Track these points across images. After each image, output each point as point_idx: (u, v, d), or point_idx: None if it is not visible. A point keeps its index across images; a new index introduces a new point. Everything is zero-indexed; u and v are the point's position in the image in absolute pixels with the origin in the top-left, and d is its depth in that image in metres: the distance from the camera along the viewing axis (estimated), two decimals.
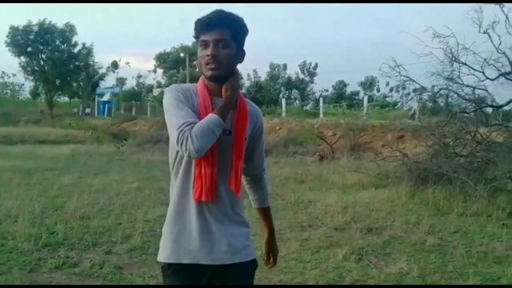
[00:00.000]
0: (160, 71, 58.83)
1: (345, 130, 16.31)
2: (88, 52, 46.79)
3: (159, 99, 37.46)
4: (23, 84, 51.10)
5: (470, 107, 8.76)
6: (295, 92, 52.80)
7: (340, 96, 50.96)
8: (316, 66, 54.97)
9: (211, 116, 1.68)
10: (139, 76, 61.22)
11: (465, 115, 8.65)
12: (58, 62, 43.30)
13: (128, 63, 75.87)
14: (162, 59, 57.42)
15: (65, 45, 45.02)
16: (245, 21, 1.82)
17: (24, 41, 42.48)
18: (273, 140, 16.84)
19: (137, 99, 48.81)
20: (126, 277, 3.98)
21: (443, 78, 8.89)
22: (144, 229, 5.48)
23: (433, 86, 9.32)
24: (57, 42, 44.51)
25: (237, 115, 1.80)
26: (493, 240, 5.17)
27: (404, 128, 14.67)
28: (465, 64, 8.50)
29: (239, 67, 1.84)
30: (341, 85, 57.73)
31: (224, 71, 1.75)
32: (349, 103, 29.72)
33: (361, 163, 11.56)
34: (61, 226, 5.48)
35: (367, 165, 10.35)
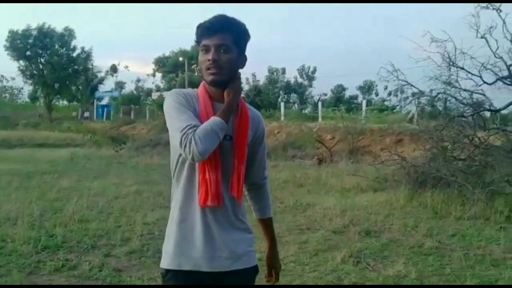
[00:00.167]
0: (159, 75, 58.88)
1: (343, 133, 16.35)
2: (87, 56, 46.78)
3: (158, 103, 37.55)
4: (21, 88, 51.12)
5: (468, 111, 8.81)
6: (293, 96, 52.84)
7: (339, 100, 51.02)
8: (314, 70, 55.05)
9: (214, 119, 1.67)
10: (138, 80, 61.23)
11: (463, 119, 8.70)
12: (57, 66, 43.29)
13: (127, 67, 75.73)
14: (161, 63, 57.47)
15: (64, 49, 45.00)
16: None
17: (23, 45, 42.47)
18: (272, 144, 16.87)
19: (136, 103, 48.83)
20: (125, 279, 3.99)
21: (441, 82, 8.96)
22: (143, 232, 5.49)
23: (431, 90, 9.39)
24: (56, 46, 44.49)
25: (238, 120, 1.79)
26: (491, 243, 5.20)
27: (402, 132, 14.73)
28: (462, 68, 8.55)
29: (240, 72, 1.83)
30: (340, 89, 57.77)
31: (225, 76, 1.74)
32: (347, 107, 29.74)
33: (359, 166, 11.59)
34: (60, 229, 5.49)
35: (365, 169, 10.38)
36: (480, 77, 8.40)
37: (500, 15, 8.12)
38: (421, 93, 9.89)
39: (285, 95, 51.09)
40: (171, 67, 54.02)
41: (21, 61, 43.40)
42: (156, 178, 10.10)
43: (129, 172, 11.45)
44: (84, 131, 25.07)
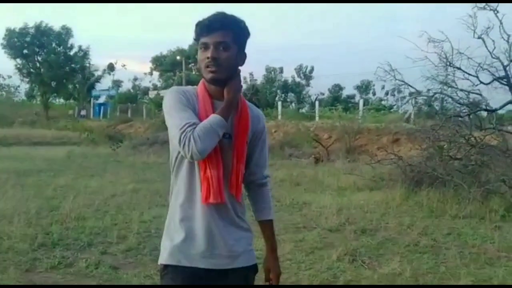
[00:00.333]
0: (156, 73, 58.81)
1: (340, 133, 16.37)
2: (84, 54, 46.74)
3: (155, 102, 37.51)
4: (18, 86, 50.87)
5: (464, 111, 8.84)
6: (291, 95, 52.89)
7: (336, 99, 51.05)
8: (312, 70, 55.11)
9: (214, 117, 1.66)
10: (135, 79, 61.07)
11: (460, 119, 8.73)
12: (54, 65, 43.23)
13: (124, 65, 75.62)
14: (159, 62, 57.41)
15: (61, 47, 44.96)
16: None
17: (20, 44, 42.44)
18: (269, 143, 16.87)
19: (133, 101, 48.75)
20: (122, 276, 4.00)
21: (438, 82, 8.99)
22: (139, 230, 5.50)
23: (428, 90, 9.42)
24: (53, 44, 44.45)
25: (237, 119, 1.78)
26: (486, 242, 5.23)
27: (399, 132, 14.80)
28: (459, 68, 8.58)
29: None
30: (337, 88, 57.81)
31: (224, 74, 1.72)
32: (344, 106, 29.83)
33: (356, 165, 11.62)
34: (57, 227, 5.50)
35: (362, 168, 10.41)
36: (477, 77, 8.44)
37: (497, 16, 8.15)
38: (418, 93, 9.92)
39: (283, 94, 51.13)
40: (169, 66, 53.99)
41: (18, 59, 43.40)
42: (153, 177, 10.11)
43: (126, 170, 11.44)
44: (81, 129, 25.03)
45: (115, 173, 10.68)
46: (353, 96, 56.37)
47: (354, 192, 8.44)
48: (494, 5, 8.11)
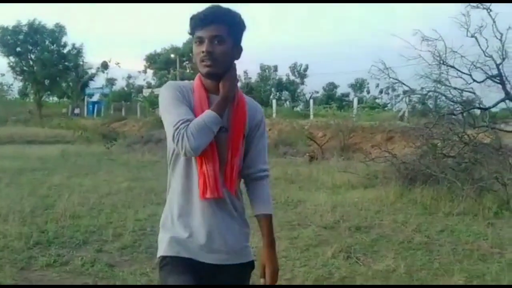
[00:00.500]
0: (150, 71, 58.67)
1: (335, 131, 16.43)
2: (77, 52, 46.52)
3: (149, 100, 37.45)
4: (11, 84, 50.60)
5: (458, 109, 8.90)
6: (285, 94, 52.97)
7: (330, 97, 51.14)
8: (306, 68, 55.22)
9: (208, 113, 1.65)
10: (129, 77, 60.91)
11: (453, 117, 8.79)
12: (47, 62, 42.98)
13: (118, 63, 75.36)
14: (153, 60, 57.26)
15: (54, 45, 44.70)
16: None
17: (13, 41, 42.14)
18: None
19: (127, 99, 48.65)
20: (118, 274, 4.01)
21: (432, 80, 9.05)
22: (134, 228, 5.50)
23: (422, 88, 9.47)
24: (47, 42, 44.18)
25: (234, 112, 1.76)
26: (479, 239, 5.28)
27: (393, 130, 14.89)
28: (453, 67, 8.64)
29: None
30: (331, 86, 57.93)
31: (220, 68, 1.71)
32: (339, 104, 29.93)
33: (350, 163, 11.66)
34: (52, 225, 5.49)
35: (356, 166, 10.44)
36: (470, 75, 8.51)
37: (490, 15, 8.21)
38: (412, 91, 9.97)
39: (277, 93, 51.23)
40: (163, 64, 53.88)
41: (11, 57, 43.14)
42: (147, 175, 10.10)
43: (120, 168, 11.42)
44: (74, 127, 24.93)
45: (110, 172, 10.66)
46: (347, 94, 56.50)
47: (349, 190, 8.48)
48: (487, 4, 8.18)
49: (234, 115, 1.76)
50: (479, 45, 8.33)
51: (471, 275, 4.11)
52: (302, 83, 55.15)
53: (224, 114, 1.72)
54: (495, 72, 8.30)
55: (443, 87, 9.02)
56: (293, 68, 54.94)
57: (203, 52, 1.69)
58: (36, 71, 43.63)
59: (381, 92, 52.02)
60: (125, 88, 58.44)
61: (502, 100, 8.64)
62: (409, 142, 10.38)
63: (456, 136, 8.28)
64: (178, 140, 1.61)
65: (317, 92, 56.85)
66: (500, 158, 7.54)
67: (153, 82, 55.58)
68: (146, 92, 45.03)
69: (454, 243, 5.10)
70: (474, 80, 8.52)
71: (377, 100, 48.47)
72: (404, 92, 11.18)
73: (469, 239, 5.26)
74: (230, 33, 1.71)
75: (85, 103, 48.45)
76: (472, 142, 8.04)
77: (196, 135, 1.60)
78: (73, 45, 45.89)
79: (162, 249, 1.78)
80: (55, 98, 55.22)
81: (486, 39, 8.30)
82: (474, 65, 8.38)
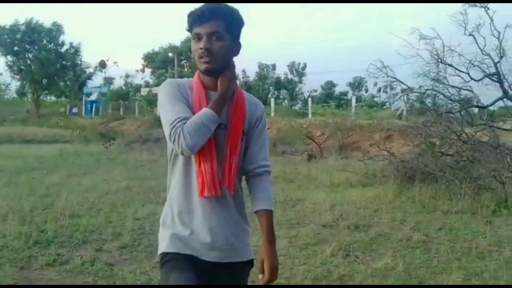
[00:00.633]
0: (148, 70, 58.62)
1: (333, 129, 16.45)
2: (75, 51, 46.47)
3: (147, 99, 37.42)
4: (9, 84, 50.60)
5: (456, 107, 8.92)
6: (284, 92, 52.97)
7: (329, 96, 51.19)
8: (305, 66, 55.26)
9: (205, 111, 1.65)
10: (127, 76, 60.87)
11: (451, 115, 8.80)
12: (45, 62, 42.98)
13: (116, 62, 75.33)
14: (150, 59, 57.21)
15: (52, 44, 44.70)
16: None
17: (10, 40, 42.14)
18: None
19: (125, 98, 48.58)
20: (117, 273, 4.01)
21: (430, 79, 9.06)
22: (134, 227, 5.51)
23: (420, 87, 9.48)
24: (44, 41, 44.19)
25: (233, 109, 1.76)
26: (477, 237, 5.30)
27: (391, 128, 14.92)
28: (450, 65, 8.65)
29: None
30: (330, 85, 57.95)
31: (218, 64, 1.70)
32: (337, 103, 29.96)
33: (349, 162, 11.68)
34: (51, 225, 5.50)
35: (355, 164, 10.46)
36: (468, 74, 8.51)
37: (487, 13, 8.22)
38: (410, 89, 9.99)
39: (275, 91, 51.21)
40: (161, 62, 53.84)
41: (8, 56, 43.13)
42: (146, 174, 10.11)
43: (118, 168, 11.42)
44: (72, 127, 24.94)
45: (108, 171, 10.66)
46: (345, 93, 56.53)
47: (347, 189, 8.50)
48: (484, 4, 8.19)
49: (233, 112, 1.76)
50: (477, 43, 8.35)
51: (469, 273, 4.13)
52: (301, 82, 55.18)
53: (223, 111, 1.72)
54: (493, 70, 8.31)
55: (441, 85, 9.04)
56: (291, 66, 54.97)
57: (201, 48, 1.68)
58: (33, 70, 43.61)
59: (379, 90, 52.03)
60: (123, 87, 58.36)
61: (500, 99, 8.65)
62: (408, 141, 10.40)
63: (454, 135, 8.30)
64: (174, 139, 1.61)
65: (316, 91, 56.87)
66: (498, 157, 7.55)
67: (151, 81, 55.51)
68: (144, 91, 44.97)
69: (452, 241, 5.12)
70: (472, 79, 8.53)
71: (375, 99, 48.49)
72: (402, 91, 11.20)
73: (467, 237, 5.28)
74: (228, 29, 1.70)
75: (83, 102, 48.39)
76: (470, 141, 8.06)
77: (193, 133, 1.60)
78: (71, 44, 45.96)
79: (164, 246, 1.78)
80: (53, 97, 55.17)
81: (484, 38, 8.32)
82: (472, 64, 8.39)
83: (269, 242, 1.79)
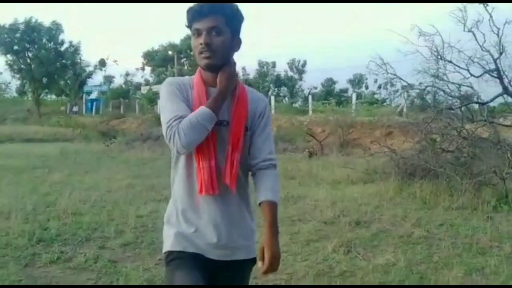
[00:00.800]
0: (148, 68, 58.67)
1: (334, 126, 16.47)
2: (75, 50, 46.47)
3: (148, 97, 37.45)
4: (9, 83, 50.64)
5: (456, 103, 8.94)
6: (284, 90, 53.00)
7: (329, 93, 51.27)
8: (305, 64, 55.27)
9: (201, 109, 1.64)
10: (127, 74, 60.93)
11: (451, 111, 8.82)
12: (44, 60, 42.94)
13: (115, 61, 75.43)
14: (150, 57, 57.23)
15: (51, 43, 44.66)
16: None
17: (10, 39, 42.09)
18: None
19: (125, 97, 48.63)
20: (120, 270, 4.04)
21: (430, 75, 9.08)
22: (136, 224, 5.54)
23: (420, 83, 9.51)
24: (44, 40, 44.14)
25: (235, 105, 1.75)
26: (478, 232, 5.32)
27: (392, 125, 14.95)
28: (450, 62, 8.67)
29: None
30: (330, 82, 58.00)
31: (219, 59, 1.70)
32: (337, 100, 29.97)
33: (350, 159, 11.72)
34: (54, 222, 5.52)
35: (355, 161, 10.50)
36: (468, 70, 8.53)
37: (486, 9, 8.24)
38: (410, 86, 10.01)
39: (276, 89, 51.24)
40: (160, 61, 53.87)
41: (8, 56, 43.10)
42: (147, 172, 10.13)
43: (120, 166, 11.45)
44: (73, 125, 24.97)
45: (110, 169, 10.69)
46: (346, 90, 56.60)
47: (348, 185, 8.52)
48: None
49: (235, 109, 1.75)
50: (476, 39, 8.37)
51: (470, 268, 4.15)
52: (301, 79, 55.21)
53: (225, 107, 1.72)
54: (492, 66, 8.33)
55: (441, 82, 9.06)
56: (292, 64, 54.97)
57: (201, 44, 1.68)
58: (33, 69, 43.58)
59: (379, 87, 52.08)
60: (123, 86, 58.43)
61: (500, 95, 8.67)
62: (408, 137, 10.40)
63: (454, 131, 8.32)
64: (170, 137, 1.62)
65: (316, 88, 56.94)
66: (499, 153, 7.58)
67: (151, 79, 55.59)
68: (144, 89, 45.01)
69: (453, 237, 5.14)
70: (472, 75, 8.55)
71: (375, 96, 48.54)
72: (403, 87, 11.22)
73: (468, 233, 5.30)
74: (228, 23, 1.70)
75: (83, 100, 48.45)
76: (470, 137, 8.09)
77: (188, 132, 1.60)
78: (71, 42, 45.91)
79: (169, 244, 1.78)
80: (53, 96, 55.15)
81: (483, 34, 8.34)
82: (472, 60, 8.41)
83: (271, 232, 1.74)
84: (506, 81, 8.35)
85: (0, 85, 55.09)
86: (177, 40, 51.70)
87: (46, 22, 43.94)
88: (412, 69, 9.09)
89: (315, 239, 5.06)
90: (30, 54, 44.01)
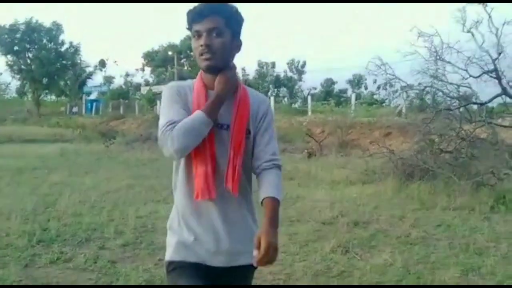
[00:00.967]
0: (148, 69, 58.71)
1: (333, 127, 16.51)
2: (75, 50, 46.52)
3: (147, 98, 37.51)
4: (9, 83, 50.68)
5: (454, 104, 8.98)
6: (283, 90, 53.04)
7: (328, 93, 51.31)
8: (304, 64, 55.31)
9: (196, 114, 1.63)
10: (127, 75, 60.94)
11: (450, 112, 8.85)
12: (45, 61, 43.03)
13: (115, 61, 75.49)
14: (150, 58, 57.26)
15: (52, 43, 44.77)
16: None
17: (10, 40, 42.17)
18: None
19: (125, 97, 48.65)
20: (120, 270, 4.06)
21: (428, 76, 9.11)
22: (136, 225, 5.55)
23: (419, 84, 9.54)
24: (44, 40, 44.24)
25: (236, 108, 1.72)
26: (475, 233, 5.35)
27: (391, 125, 14.99)
28: (449, 62, 8.71)
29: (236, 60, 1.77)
30: (329, 83, 58.03)
31: (219, 61, 1.69)
32: (337, 100, 30.01)
33: (349, 159, 11.75)
34: (54, 223, 5.55)
35: (354, 162, 10.53)
36: (466, 70, 8.58)
37: (486, 10, 8.28)
38: (409, 86, 10.04)
39: (275, 89, 51.28)
40: (160, 61, 53.92)
41: (8, 56, 43.21)
42: (147, 173, 10.15)
43: (120, 167, 11.47)
44: (73, 126, 24.98)
45: (109, 170, 10.70)
46: (345, 91, 56.62)
47: (347, 186, 8.55)
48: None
49: (237, 112, 1.72)
50: (475, 40, 8.41)
51: (467, 269, 4.18)
52: (300, 80, 55.24)
53: (226, 111, 1.71)
54: (491, 67, 8.37)
55: (440, 82, 9.10)
56: (291, 64, 55.01)
57: (201, 45, 1.67)
58: (33, 70, 43.66)
59: (378, 88, 52.03)
60: (123, 86, 58.43)
61: (499, 95, 8.72)
62: (407, 138, 10.47)
63: (453, 132, 8.35)
64: (163, 142, 1.61)
65: (315, 89, 56.99)
66: (497, 153, 7.62)
67: (151, 80, 55.64)
68: (144, 90, 45.07)
69: (450, 238, 5.18)
70: (471, 76, 8.59)
71: (374, 96, 48.49)
72: (402, 88, 11.25)
73: (466, 233, 5.33)
74: (228, 25, 1.69)
75: (83, 101, 48.47)
76: (469, 137, 8.12)
77: (181, 136, 1.58)
78: (71, 43, 46.04)
79: (169, 254, 1.78)
80: (53, 97, 55.22)
81: (482, 35, 8.39)
82: (470, 61, 8.46)
83: (270, 223, 1.64)
84: (504, 81, 8.39)
85: (0, 85, 55.15)
86: (177, 41, 51.86)
87: (47, 23, 44.18)
88: (411, 70, 9.14)
89: (313, 240, 5.09)
90: (30, 55, 44.10)
